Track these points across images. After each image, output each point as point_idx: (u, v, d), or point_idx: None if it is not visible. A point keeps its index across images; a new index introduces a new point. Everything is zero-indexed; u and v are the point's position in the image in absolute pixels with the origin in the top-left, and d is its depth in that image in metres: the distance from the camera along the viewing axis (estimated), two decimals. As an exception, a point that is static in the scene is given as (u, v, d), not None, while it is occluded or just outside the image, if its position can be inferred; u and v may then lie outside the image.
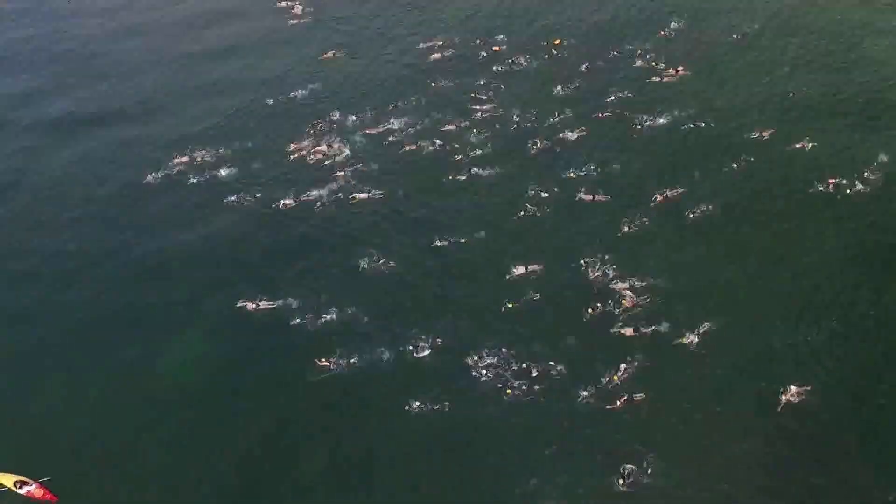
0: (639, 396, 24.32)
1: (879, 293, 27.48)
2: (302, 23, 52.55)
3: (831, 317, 26.58)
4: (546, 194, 33.48)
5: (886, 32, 43.63)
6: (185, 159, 38.27)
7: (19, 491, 23.05)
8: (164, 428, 25.09)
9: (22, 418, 25.82)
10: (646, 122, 37.72)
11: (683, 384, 24.89)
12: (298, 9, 53.91)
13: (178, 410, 25.65)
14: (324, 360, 26.27)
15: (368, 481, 22.85)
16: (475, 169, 35.65)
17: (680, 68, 41.87)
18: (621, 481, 21.91)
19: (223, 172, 37.49)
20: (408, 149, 37.95)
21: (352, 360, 26.28)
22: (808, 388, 23.96)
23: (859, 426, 23.34)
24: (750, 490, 21.72)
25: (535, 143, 37.02)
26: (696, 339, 25.97)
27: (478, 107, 40.36)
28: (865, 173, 32.67)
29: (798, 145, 35.09)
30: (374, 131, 39.41)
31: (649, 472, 21.99)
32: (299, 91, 43.91)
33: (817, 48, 43.34)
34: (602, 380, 24.80)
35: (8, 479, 23.32)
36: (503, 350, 26.06)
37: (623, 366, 25.10)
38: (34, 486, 23.05)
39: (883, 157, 33.62)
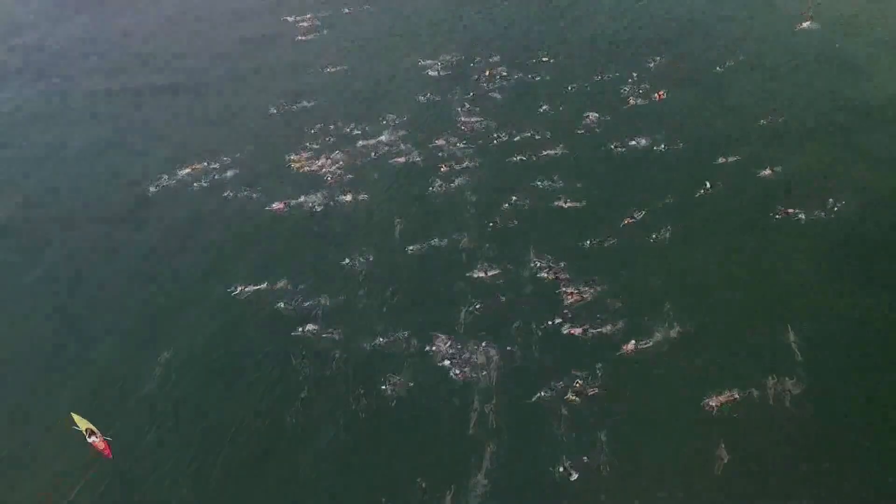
0: (592, 391, 26.32)
1: (852, 298, 29.27)
2: (308, 38, 55.42)
3: (803, 322, 28.29)
4: (521, 204, 35.69)
5: (873, 69, 45.31)
6: (188, 170, 40.92)
7: (87, 438, 25.62)
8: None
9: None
10: (623, 143, 39.81)
11: (644, 384, 26.71)
12: (305, 23, 56.80)
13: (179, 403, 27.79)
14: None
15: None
16: (458, 179, 37.93)
17: (661, 92, 44.03)
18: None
19: (226, 175, 40.13)
20: (399, 160, 40.29)
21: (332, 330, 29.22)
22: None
23: (840, 424, 24.77)
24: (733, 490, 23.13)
25: (516, 158, 39.26)
26: (637, 345, 27.92)
27: (465, 119, 42.68)
28: (833, 198, 34.26)
29: (767, 171, 36.87)
30: (368, 142, 41.84)
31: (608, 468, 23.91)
32: (301, 102, 46.61)
33: (797, 77, 45.38)
34: (557, 383, 26.69)
35: (83, 423, 25.91)
36: (459, 343, 28.37)
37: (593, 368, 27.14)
38: (99, 438, 25.53)
39: (857, 178, 35.57)
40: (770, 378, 26.12)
